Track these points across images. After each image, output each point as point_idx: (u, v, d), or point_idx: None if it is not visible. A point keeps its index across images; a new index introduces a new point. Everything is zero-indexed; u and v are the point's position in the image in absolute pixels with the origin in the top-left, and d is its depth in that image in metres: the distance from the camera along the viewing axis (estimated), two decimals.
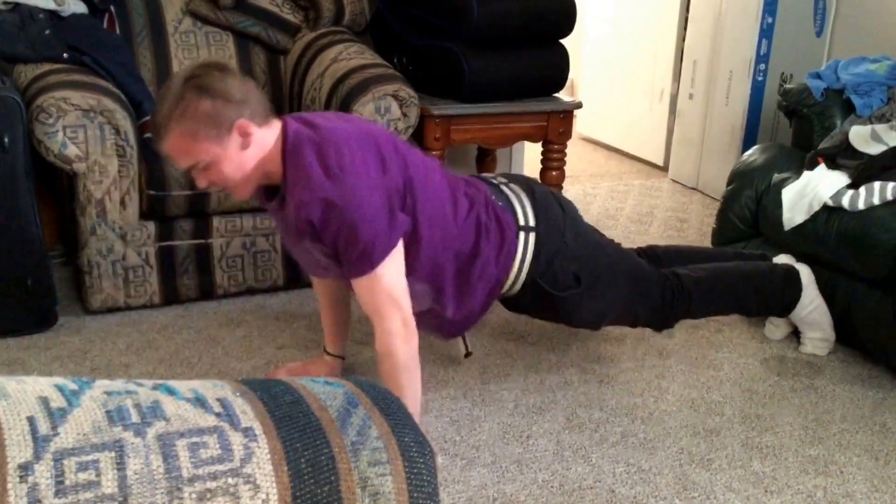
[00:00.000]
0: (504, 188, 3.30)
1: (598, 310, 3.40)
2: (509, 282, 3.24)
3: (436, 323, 3.19)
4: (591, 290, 3.31)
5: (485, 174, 3.51)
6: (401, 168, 2.90)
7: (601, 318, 3.46)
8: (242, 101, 2.75)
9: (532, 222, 3.22)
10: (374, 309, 2.88)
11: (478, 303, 3.19)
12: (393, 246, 2.83)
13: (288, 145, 2.83)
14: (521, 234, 3.19)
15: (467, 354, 3.57)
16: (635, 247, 3.81)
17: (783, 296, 3.66)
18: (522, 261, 3.20)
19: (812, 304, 3.68)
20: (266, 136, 2.83)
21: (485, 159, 5.44)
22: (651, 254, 3.73)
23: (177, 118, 2.70)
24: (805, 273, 3.69)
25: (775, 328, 3.89)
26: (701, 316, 3.66)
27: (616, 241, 3.66)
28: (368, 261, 2.80)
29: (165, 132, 2.73)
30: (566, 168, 4.82)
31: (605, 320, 3.49)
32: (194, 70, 2.75)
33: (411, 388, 2.92)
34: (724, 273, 3.61)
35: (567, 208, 3.37)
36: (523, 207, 3.23)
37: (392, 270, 2.85)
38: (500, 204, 3.21)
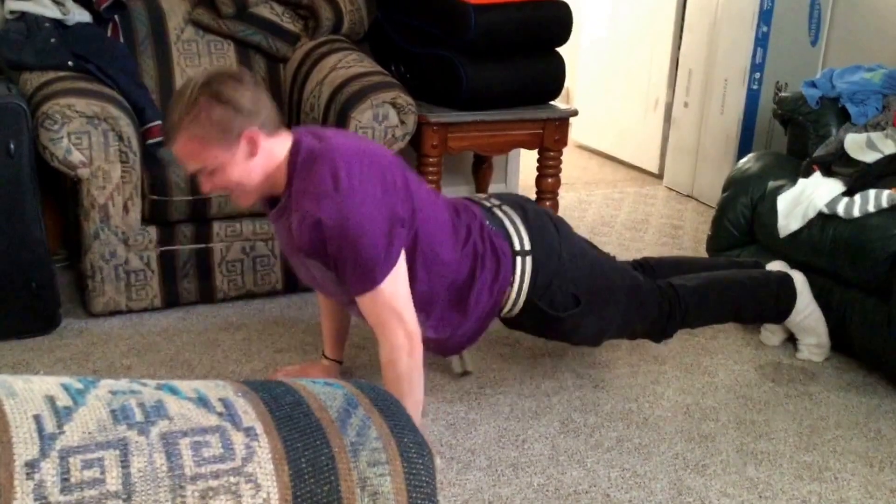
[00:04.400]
0: (497, 211, 3.31)
1: (598, 327, 3.41)
2: (508, 305, 3.25)
3: (432, 344, 3.20)
4: (590, 308, 3.31)
5: (478, 195, 3.52)
6: (406, 199, 2.92)
7: (601, 335, 3.48)
8: (253, 112, 2.78)
9: (528, 246, 3.23)
10: (378, 323, 2.90)
11: (472, 328, 3.21)
12: (394, 262, 2.85)
13: (299, 157, 2.85)
14: (518, 259, 3.20)
15: (464, 373, 3.60)
16: (630, 259, 3.82)
17: (778, 302, 3.68)
18: (520, 285, 3.21)
19: (807, 310, 3.70)
20: (275, 147, 2.85)
21: (481, 166, 5.45)
22: (645, 266, 3.74)
23: (188, 123, 2.73)
24: (799, 279, 3.71)
25: (771, 334, 3.91)
26: (698, 325, 3.68)
27: (611, 252, 3.68)
28: (371, 277, 2.82)
29: (176, 135, 2.76)
30: (562, 175, 4.83)
31: (605, 336, 3.50)
32: (210, 77, 2.78)
33: (413, 398, 2.94)
34: (718, 282, 3.62)
35: (561, 228, 3.37)
36: (518, 231, 3.24)
37: (394, 285, 2.86)
38: (495, 229, 3.22)
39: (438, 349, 3.30)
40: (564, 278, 3.26)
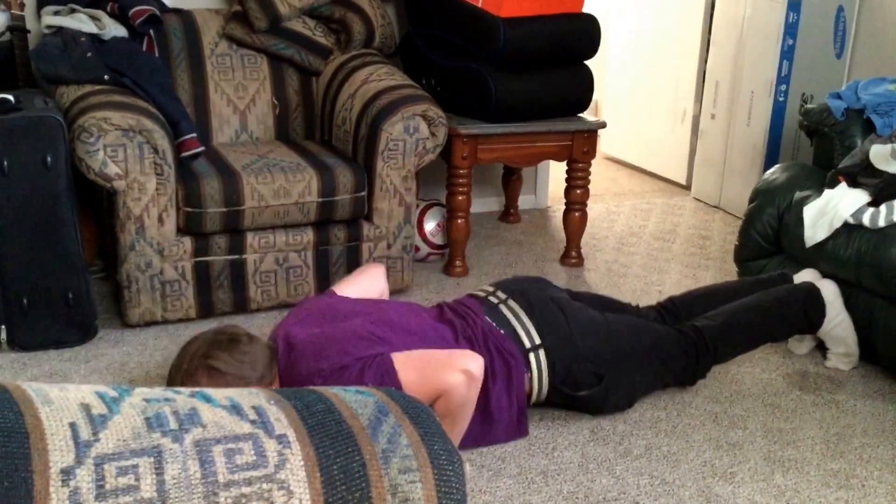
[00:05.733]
0: (503, 308, 3.34)
1: (627, 393, 3.42)
2: (533, 397, 3.29)
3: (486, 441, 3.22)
4: (615, 380, 3.33)
5: (482, 288, 3.54)
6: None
7: (632, 398, 3.47)
8: (248, 374, 2.90)
9: (537, 340, 3.26)
10: (428, 391, 2.90)
11: (509, 427, 3.21)
12: (385, 346, 2.96)
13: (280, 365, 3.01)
14: (531, 355, 3.23)
15: None
16: (653, 303, 3.83)
17: (807, 316, 3.67)
18: (540, 378, 3.25)
19: (837, 319, 3.70)
20: (273, 381, 2.99)
21: (511, 178, 5.48)
22: (669, 307, 3.75)
23: (190, 386, 2.79)
24: (831, 289, 3.72)
25: (799, 343, 3.92)
26: (730, 359, 3.65)
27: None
28: (384, 370, 2.90)
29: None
30: (590, 187, 4.85)
31: (636, 398, 3.49)
32: (206, 347, 2.88)
33: (462, 424, 3.00)
34: (743, 314, 3.60)
35: (567, 311, 3.37)
36: (525, 327, 3.27)
37: (409, 370, 2.92)
38: (502, 332, 3.25)
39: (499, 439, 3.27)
40: (582, 360, 3.28)
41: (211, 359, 2.84)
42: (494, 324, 3.27)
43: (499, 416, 3.15)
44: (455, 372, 2.88)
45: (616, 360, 3.33)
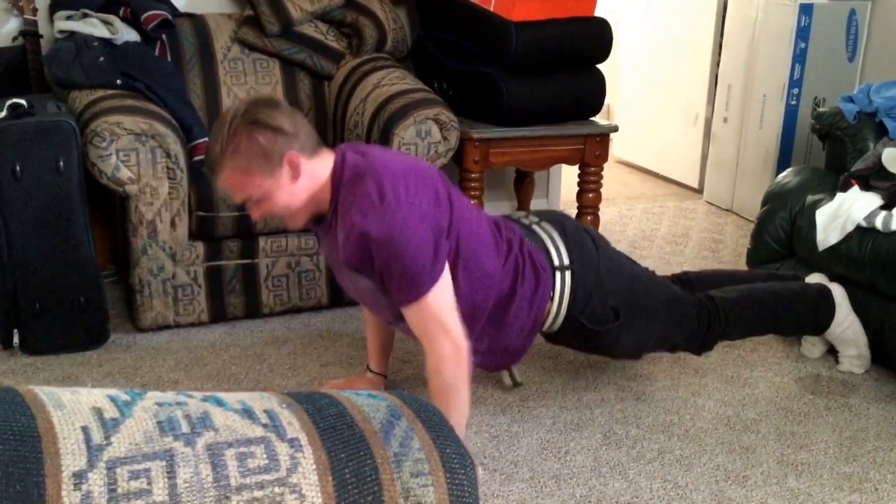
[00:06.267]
0: (536, 228, 3.32)
1: (638, 340, 3.42)
2: (549, 320, 3.26)
3: (476, 359, 3.19)
4: (630, 322, 3.32)
5: (517, 213, 3.53)
6: (449, 213, 2.94)
7: (641, 349, 3.48)
8: (292, 135, 2.80)
9: (566, 261, 3.24)
10: (424, 334, 2.91)
11: (515, 343, 3.22)
12: (440, 273, 2.86)
13: (344, 174, 2.88)
14: (557, 274, 3.21)
15: (515, 385, 3.61)
16: (669, 274, 3.83)
17: (817, 315, 3.67)
18: (561, 299, 3.23)
19: (846, 322, 3.70)
20: (316, 167, 2.88)
21: (523, 182, 5.48)
22: (685, 279, 3.75)
23: (230, 155, 2.77)
24: (838, 292, 3.71)
25: (812, 346, 3.91)
26: (737, 338, 3.67)
27: (651, 267, 3.68)
28: (417, 289, 2.83)
29: (220, 168, 2.80)
30: (602, 190, 4.85)
31: (646, 350, 3.51)
32: (245, 106, 2.80)
33: (458, 410, 2.94)
34: (757, 294, 3.62)
35: (599, 243, 3.38)
36: (556, 247, 3.26)
37: (441, 297, 2.87)
38: (535, 245, 3.24)
39: (483, 365, 3.31)
40: (604, 292, 3.27)
41: (253, 113, 2.77)
42: (528, 239, 3.26)
43: (512, 323, 3.16)
44: (447, 343, 2.89)
45: (635, 301, 3.34)
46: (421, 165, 3.01)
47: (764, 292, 3.64)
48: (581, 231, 3.38)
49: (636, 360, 3.60)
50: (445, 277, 2.90)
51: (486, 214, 3.24)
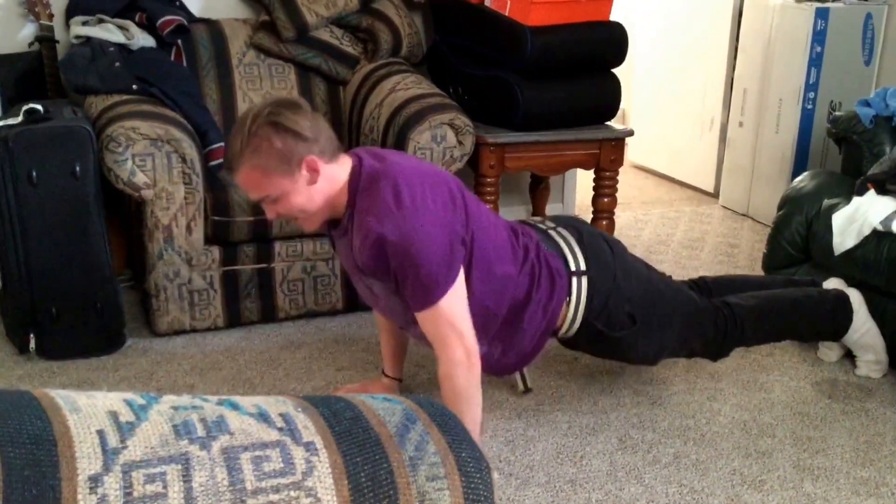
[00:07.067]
0: (553, 234, 3.32)
1: (655, 346, 3.41)
2: (565, 326, 3.26)
3: (486, 363, 3.17)
4: (647, 327, 3.32)
5: (533, 218, 3.54)
6: (465, 218, 2.95)
7: (658, 354, 3.47)
8: (312, 139, 2.81)
9: (583, 266, 3.24)
10: (437, 339, 2.91)
11: (528, 347, 3.21)
12: (454, 279, 2.87)
13: (361, 178, 2.89)
14: (574, 279, 3.21)
15: (526, 391, 3.61)
16: (686, 279, 3.82)
17: (834, 320, 3.67)
18: (577, 304, 3.22)
19: (864, 328, 3.69)
20: (335, 172, 2.89)
21: (538, 186, 5.48)
22: (702, 285, 3.73)
23: (249, 154, 2.77)
24: (856, 297, 3.70)
25: (829, 351, 3.90)
26: (754, 344, 3.67)
27: (667, 272, 3.68)
28: (430, 294, 2.84)
29: (238, 166, 2.81)
30: (618, 195, 4.84)
31: (662, 355, 3.50)
32: (267, 107, 2.81)
33: (471, 414, 2.94)
34: (774, 300, 3.61)
35: (615, 248, 3.38)
36: (573, 252, 3.25)
37: (454, 302, 2.88)
38: (551, 251, 3.24)
39: (494, 369, 3.31)
40: (620, 297, 3.26)
41: (275, 115, 2.77)
42: (544, 245, 3.25)
43: (527, 327, 3.16)
44: (463, 342, 2.90)
45: (651, 307, 3.33)
46: (437, 171, 3.03)
47: (781, 299, 3.63)
48: (597, 236, 3.38)
49: (653, 365, 3.60)
50: (459, 283, 2.90)
51: (503, 220, 3.24)
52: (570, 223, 3.43)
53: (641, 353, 3.42)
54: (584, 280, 3.23)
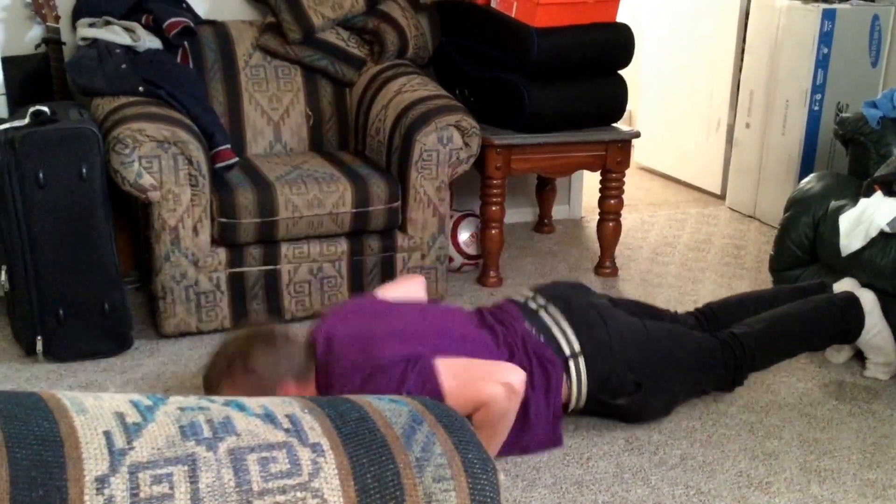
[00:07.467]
0: (543, 314, 3.34)
1: (666, 400, 3.41)
2: (572, 403, 3.28)
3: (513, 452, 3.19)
4: (653, 388, 3.32)
5: (522, 292, 3.54)
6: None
7: (671, 406, 3.46)
8: (286, 371, 2.91)
9: (577, 347, 3.24)
10: (474, 406, 2.91)
11: (543, 434, 3.19)
12: (430, 367, 2.92)
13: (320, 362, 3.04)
14: (571, 362, 3.22)
15: None
16: (691, 308, 3.82)
17: (846, 325, 3.65)
18: (579, 385, 3.24)
19: (875, 329, 3.67)
20: (306, 386, 2.99)
21: (544, 188, 5.48)
22: (707, 313, 3.73)
23: (226, 385, 2.87)
24: (869, 299, 3.68)
25: (837, 352, 3.89)
26: (769, 366, 3.64)
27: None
28: (434, 391, 2.88)
29: (216, 392, 2.88)
30: (624, 196, 4.85)
31: (675, 405, 3.48)
32: (242, 345, 2.93)
33: (498, 439, 2.99)
34: (782, 320, 3.58)
35: (606, 316, 3.36)
36: (565, 334, 3.26)
37: (452, 378, 2.92)
38: (542, 339, 3.25)
39: (527, 452, 3.25)
40: (621, 367, 3.27)
41: (248, 359, 2.87)
42: (534, 330, 3.27)
43: (535, 422, 3.14)
44: (496, 384, 2.89)
45: (655, 367, 3.32)
46: (378, 331, 3.11)
47: (789, 317, 3.60)
48: (588, 309, 3.38)
49: (667, 415, 3.53)
50: (444, 362, 2.96)
51: (478, 322, 3.32)
52: (560, 295, 3.44)
53: (653, 410, 3.41)
54: (581, 360, 3.24)
